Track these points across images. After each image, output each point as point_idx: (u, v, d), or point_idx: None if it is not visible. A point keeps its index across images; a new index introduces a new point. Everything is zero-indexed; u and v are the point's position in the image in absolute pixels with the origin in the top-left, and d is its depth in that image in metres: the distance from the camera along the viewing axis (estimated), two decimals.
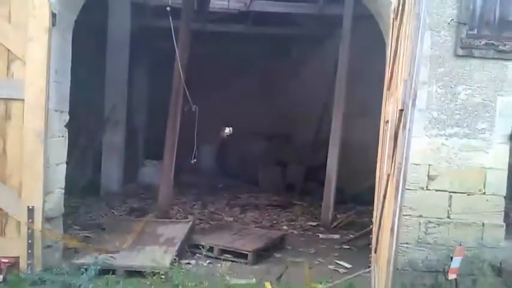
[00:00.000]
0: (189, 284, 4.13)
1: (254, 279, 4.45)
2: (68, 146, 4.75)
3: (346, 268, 4.86)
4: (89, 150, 8.44)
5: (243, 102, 9.75)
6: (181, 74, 5.80)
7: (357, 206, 7.32)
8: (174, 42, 5.28)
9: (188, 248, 5.05)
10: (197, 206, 7.23)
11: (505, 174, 4.17)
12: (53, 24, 4.28)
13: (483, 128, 4.20)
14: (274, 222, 6.80)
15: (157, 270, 4.23)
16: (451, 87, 4.22)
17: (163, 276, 4.21)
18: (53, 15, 4.25)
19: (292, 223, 6.84)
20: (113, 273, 4.23)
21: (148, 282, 4.16)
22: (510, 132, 4.18)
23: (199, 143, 10.68)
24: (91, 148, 8.46)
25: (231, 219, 6.73)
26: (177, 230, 5.23)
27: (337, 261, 5.07)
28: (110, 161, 8.24)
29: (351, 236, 6.00)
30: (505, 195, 4.19)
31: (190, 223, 5.49)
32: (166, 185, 6.06)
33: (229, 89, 9.93)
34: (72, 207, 6.27)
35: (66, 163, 4.70)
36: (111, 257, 4.46)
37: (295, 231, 6.39)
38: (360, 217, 6.89)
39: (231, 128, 11.91)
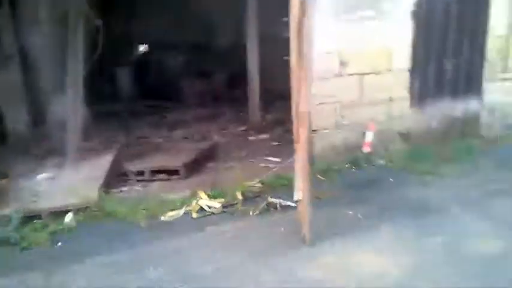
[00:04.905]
0: (123, 209, 4.35)
1: (188, 191, 4.77)
2: None
3: (277, 162, 5.31)
4: None
5: (155, 13, 9.24)
6: None
7: (286, 102, 7.64)
8: None
9: (119, 177, 5.18)
10: (121, 134, 7.20)
11: (408, 50, 4.60)
12: None
13: (388, 8, 4.48)
14: (205, 134, 7.03)
15: (85, 205, 4.35)
16: None
17: (94, 209, 4.36)
18: None
19: (223, 131, 7.13)
20: (40, 218, 4.21)
21: (80, 218, 4.29)
22: (413, 9, 4.51)
23: (115, 66, 10.13)
24: None
25: (160, 140, 6.85)
26: (101, 161, 5.29)
27: (267, 158, 5.51)
28: (10, 103, 7.68)
29: (280, 133, 6.43)
30: (408, 69, 4.68)
31: (115, 152, 5.55)
32: (75, 119, 5.93)
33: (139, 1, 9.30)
34: None
35: None
36: (33, 201, 4.47)
37: (226, 139, 6.70)
38: (289, 114, 7.27)
39: (146, 45, 11.36)
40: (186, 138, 6.86)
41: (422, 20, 4.58)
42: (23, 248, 3.82)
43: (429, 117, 4.89)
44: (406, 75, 4.69)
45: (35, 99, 8.20)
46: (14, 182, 5.29)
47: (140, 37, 10.83)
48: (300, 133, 3.56)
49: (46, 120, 8.41)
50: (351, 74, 4.57)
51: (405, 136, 4.84)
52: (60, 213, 4.31)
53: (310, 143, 4.58)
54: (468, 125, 4.99)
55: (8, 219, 4.11)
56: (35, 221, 4.16)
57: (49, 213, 4.29)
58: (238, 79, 8.99)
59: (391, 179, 4.45)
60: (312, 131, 4.72)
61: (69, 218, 4.11)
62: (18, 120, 7.70)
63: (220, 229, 3.86)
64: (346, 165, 4.79)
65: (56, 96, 8.35)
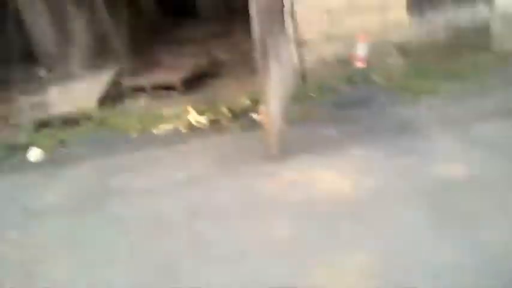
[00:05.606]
0: (121, 122, 4.65)
1: (182, 106, 4.91)
2: None
3: None
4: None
5: None
6: None
7: None
8: None
9: (119, 91, 5.42)
10: (128, 49, 7.29)
11: None
12: None
13: None
14: (212, 50, 6.97)
15: (86, 115, 4.69)
16: None
17: (95, 120, 4.71)
18: None
19: (233, 49, 7.01)
20: (48, 126, 4.69)
21: (84, 128, 4.68)
22: None
23: None
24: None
25: (165, 55, 6.89)
26: (103, 77, 5.50)
27: None
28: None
29: None
30: None
31: (117, 67, 5.72)
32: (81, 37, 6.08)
33: None
34: None
35: None
36: (42, 111, 4.88)
37: (234, 57, 6.62)
38: None
39: None
40: (193, 55, 6.85)
41: None
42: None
43: (431, 28, 4.49)
44: None
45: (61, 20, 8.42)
46: (27, 96, 5.70)
47: None
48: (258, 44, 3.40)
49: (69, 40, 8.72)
50: None
51: (404, 49, 4.53)
52: (69, 121, 4.72)
53: (299, 56, 4.46)
54: (477, 37, 4.52)
55: (20, 127, 4.60)
56: (45, 129, 4.65)
57: (59, 121, 4.70)
58: None
59: (383, 98, 4.20)
60: (301, 43, 4.56)
61: (34, 153, 4.26)
62: (45, 41, 8.02)
63: (201, 142, 4.03)
64: (340, 82, 4.63)
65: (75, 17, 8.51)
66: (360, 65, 4.49)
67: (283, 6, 4.37)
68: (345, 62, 4.60)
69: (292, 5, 4.42)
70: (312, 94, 4.57)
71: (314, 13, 4.35)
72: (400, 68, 4.59)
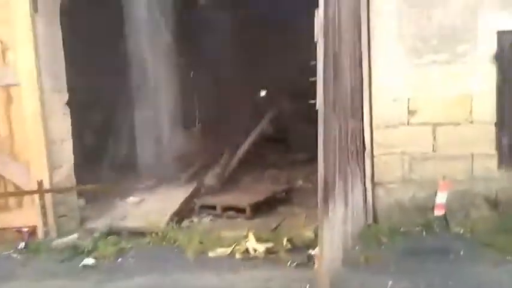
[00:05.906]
0: (183, 239, 4.66)
1: (246, 231, 4.81)
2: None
3: None
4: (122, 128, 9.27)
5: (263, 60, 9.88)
6: None
7: None
8: None
9: (192, 208, 5.57)
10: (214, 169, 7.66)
11: (492, 99, 3.96)
12: (35, 10, 4.88)
13: (464, 51, 4.00)
14: (292, 178, 7.02)
15: (153, 229, 4.81)
16: (426, 8, 4.05)
17: (160, 234, 4.78)
18: (34, 1, 4.84)
19: (312, 178, 6.99)
20: (118, 235, 4.87)
21: (148, 241, 4.76)
22: (495, 52, 3.93)
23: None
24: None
25: (247, 178, 7.08)
26: (181, 193, 5.77)
27: None
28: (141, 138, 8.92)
29: None
30: (495, 121, 4.00)
31: (195, 186, 5.99)
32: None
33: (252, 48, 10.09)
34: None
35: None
36: (118, 220, 5.14)
37: (311, 186, 6.56)
38: None
39: (265, 90, 12.05)
40: (273, 179, 6.96)
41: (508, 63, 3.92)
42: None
43: None
44: (492, 129, 4.00)
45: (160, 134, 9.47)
46: (111, 201, 6.14)
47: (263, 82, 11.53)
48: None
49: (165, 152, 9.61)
50: (422, 123, 4.12)
51: (491, 202, 4.06)
52: (136, 233, 4.87)
53: (373, 198, 4.26)
54: None
55: (93, 231, 4.84)
56: (111, 237, 4.77)
57: (127, 232, 4.88)
58: None
59: (461, 252, 3.74)
60: (376, 184, 4.37)
61: (89, 261, 4.31)
62: (145, 153, 8.96)
63: (251, 274, 3.83)
64: (415, 229, 4.23)
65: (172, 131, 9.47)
66: (439, 213, 4.08)
67: (359, 146, 4.33)
68: (424, 208, 4.26)
69: (371, 146, 4.37)
70: (382, 238, 4.20)
71: (393, 156, 4.24)
72: (486, 221, 4.08)
